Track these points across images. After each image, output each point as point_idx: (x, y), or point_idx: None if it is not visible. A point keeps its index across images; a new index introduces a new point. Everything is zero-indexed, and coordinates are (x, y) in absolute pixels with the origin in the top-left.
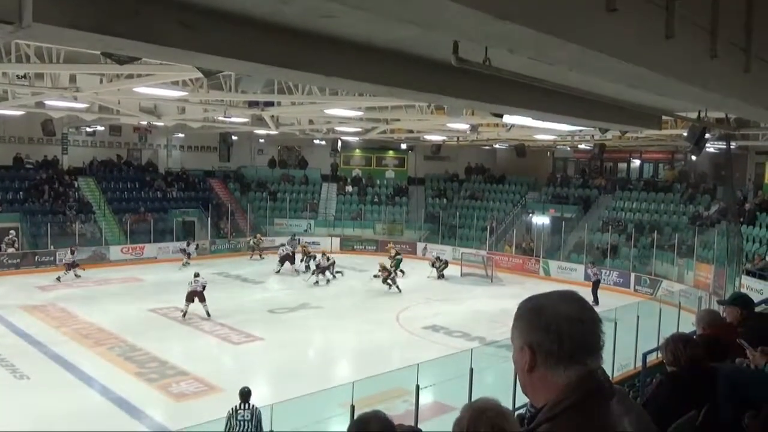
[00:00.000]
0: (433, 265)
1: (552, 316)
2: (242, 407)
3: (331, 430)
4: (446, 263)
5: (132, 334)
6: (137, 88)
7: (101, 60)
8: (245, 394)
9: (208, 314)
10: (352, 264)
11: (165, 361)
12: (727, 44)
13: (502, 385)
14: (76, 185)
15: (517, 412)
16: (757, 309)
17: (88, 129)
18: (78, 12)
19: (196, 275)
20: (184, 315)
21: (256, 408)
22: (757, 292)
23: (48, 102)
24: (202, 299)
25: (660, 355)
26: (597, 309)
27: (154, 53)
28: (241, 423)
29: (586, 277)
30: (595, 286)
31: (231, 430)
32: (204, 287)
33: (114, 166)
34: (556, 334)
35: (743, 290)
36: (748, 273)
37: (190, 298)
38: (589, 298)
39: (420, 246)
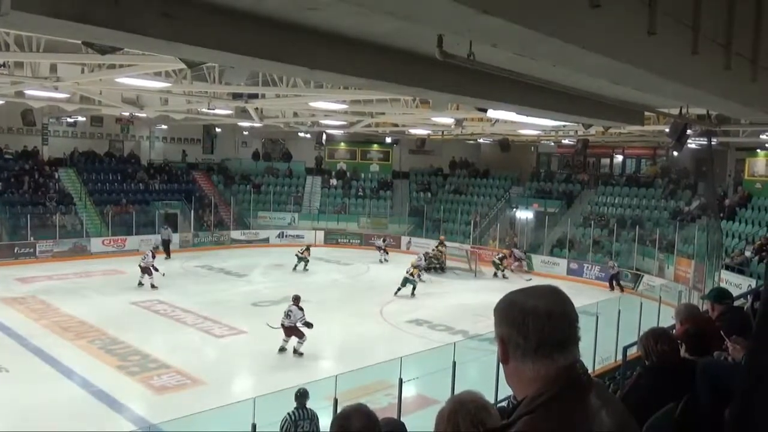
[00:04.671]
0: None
1: (519, 310)
2: (301, 415)
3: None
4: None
5: (113, 326)
6: (119, 78)
7: (82, 49)
8: (301, 396)
9: (296, 352)
10: (336, 258)
11: (147, 354)
12: (708, 41)
13: (484, 378)
14: (56, 176)
15: (499, 405)
16: (736, 303)
17: (69, 119)
18: (58, 0)
19: (296, 299)
20: (281, 350)
21: (313, 412)
22: (736, 287)
23: (28, 91)
24: (299, 335)
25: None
26: (577, 303)
27: (135, 43)
28: None
29: (571, 273)
30: (614, 278)
31: None
32: (306, 324)
33: (95, 157)
34: (522, 328)
35: (722, 285)
36: (728, 268)
37: (287, 333)
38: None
39: (404, 240)
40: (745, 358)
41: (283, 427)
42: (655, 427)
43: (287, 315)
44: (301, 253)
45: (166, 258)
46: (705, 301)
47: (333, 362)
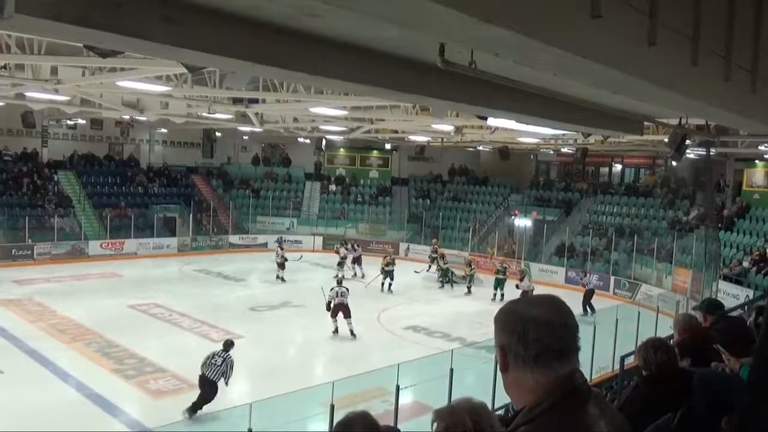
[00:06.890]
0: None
1: (519, 319)
2: (219, 354)
3: (311, 429)
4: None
5: (110, 330)
6: (120, 81)
7: (84, 52)
8: (228, 345)
9: (353, 334)
10: (334, 263)
11: (143, 357)
12: (708, 52)
13: (481, 386)
14: (55, 179)
15: (496, 413)
16: (734, 313)
17: (69, 122)
18: (60, 3)
19: (340, 282)
20: (335, 331)
21: (230, 357)
22: (734, 297)
23: (28, 93)
24: (347, 314)
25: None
26: (575, 312)
27: (136, 47)
28: (212, 366)
29: (569, 281)
30: (588, 296)
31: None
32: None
33: (95, 160)
34: (522, 336)
35: (720, 295)
36: (725, 278)
37: (335, 313)
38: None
39: (403, 246)
40: (750, 369)
41: (206, 359)
42: None
43: (341, 294)
44: (387, 266)
45: None
46: (697, 312)
47: (330, 368)
